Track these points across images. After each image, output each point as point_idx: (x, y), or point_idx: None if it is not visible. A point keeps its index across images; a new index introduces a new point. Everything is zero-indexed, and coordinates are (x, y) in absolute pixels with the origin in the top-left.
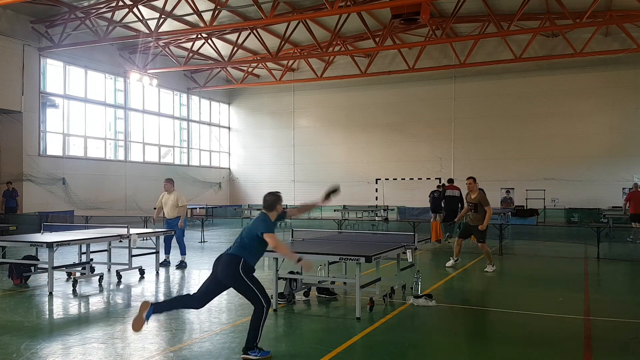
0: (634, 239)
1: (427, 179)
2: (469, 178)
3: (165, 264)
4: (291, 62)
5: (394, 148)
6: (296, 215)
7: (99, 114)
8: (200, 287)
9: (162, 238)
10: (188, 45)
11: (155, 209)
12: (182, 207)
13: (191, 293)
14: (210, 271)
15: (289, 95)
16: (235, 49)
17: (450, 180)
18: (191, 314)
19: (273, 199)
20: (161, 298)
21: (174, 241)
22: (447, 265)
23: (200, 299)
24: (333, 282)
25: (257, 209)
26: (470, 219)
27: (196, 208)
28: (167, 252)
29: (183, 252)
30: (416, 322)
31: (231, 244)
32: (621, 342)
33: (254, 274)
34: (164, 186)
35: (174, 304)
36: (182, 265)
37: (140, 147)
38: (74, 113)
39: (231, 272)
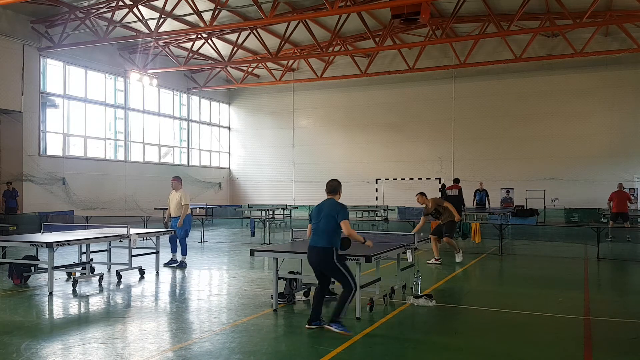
0: (612, 237)
1: (427, 179)
2: (417, 194)
3: (172, 262)
4: (291, 62)
5: (394, 148)
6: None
7: (99, 114)
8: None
9: (165, 238)
10: (188, 45)
11: (166, 209)
12: (184, 205)
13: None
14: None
15: (289, 95)
16: (235, 49)
17: (456, 180)
18: (191, 314)
19: (336, 183)
20: (161, 298)
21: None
22: (428, 262)
23: (325, 288)
24: (333, 282)
25: (257, 209)
26: (439, 221)
27: (196, 208)
28: (174, 250)
29: (184, 253)
30: (416, 322)
31: (316, 233)
32: (621, 342)
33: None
34: (172, 184)
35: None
36: (181, 266)
37: (140, 147)
38: (74, 113)
39: (329, 265)
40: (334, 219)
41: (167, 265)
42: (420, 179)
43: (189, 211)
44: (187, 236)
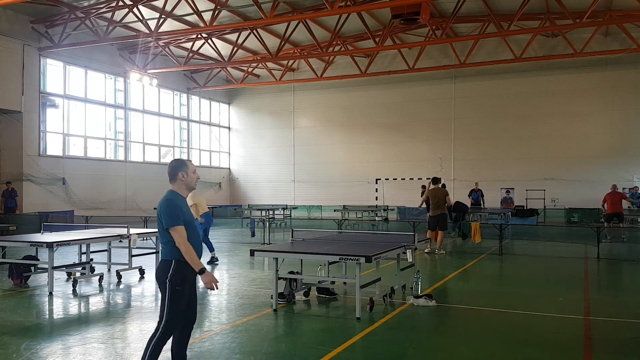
0: (610, 238)
1: (427, 179)
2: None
3: (214, 260)
4: (291, 62)
5: (394, 148)
6: None
7: (99, 114)
8: None
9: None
10: (188, 45)
11: None
12: (191, 206)
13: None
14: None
15: (289, 95)
16: (235, 49)
17: (435, 180)
18: None
19: (175, 163)
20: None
21: (211, 241)
22: (425, 251)
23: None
24: (333, 282)
25: (258, 209)
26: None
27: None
28: (211, 250)
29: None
30: (416, 322)
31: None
32: (621, 342)
33: None
34: None
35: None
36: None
37: (140, 147)
38: (74, 113)
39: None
40: (161, 224)
41: (209, 263)
42: (420, 178)
43: (201, 210)
44: (207, 235)
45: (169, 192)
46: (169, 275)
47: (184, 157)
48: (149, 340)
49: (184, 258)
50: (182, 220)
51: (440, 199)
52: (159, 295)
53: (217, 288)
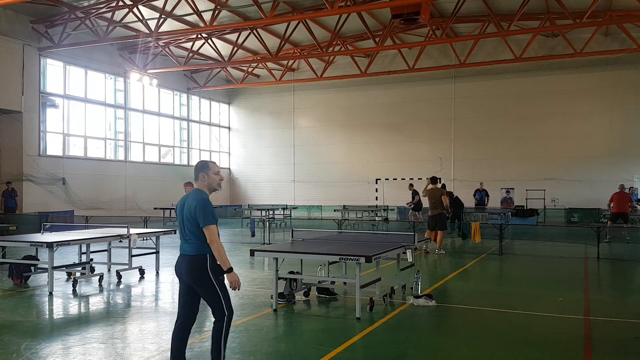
0: (610, 238)
1: (427, 179)
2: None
3: None
4: (291, 62)
5: (394, 148)
6: None
7: (99, 114)
8: None
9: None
10: (188, 45)
11: (167, 209)
12: None
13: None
14: None
15: (289, 95)
16: (235, 49)
17: (434, 180)
18: None
19: (200, 164)
20: (161, 298)
21: None
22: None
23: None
24: (333, 282)
25: (258, 209)
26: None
27: None
28: None
29: None
30: (416, 322)
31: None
32: (621, 342)
33: None
34: (185, 189)
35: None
36: None
37: (140, 147)
38: (74, 113)
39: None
40: (193, 221)
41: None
42: (420, 178)
43: None
44: None
45: (199, 192)
46: (208, 268)
47: (184, 157)
48: (216, 338)
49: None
50: (215, 219)
51: (437, 199)
52: (159, 295)
53: (239, 289)
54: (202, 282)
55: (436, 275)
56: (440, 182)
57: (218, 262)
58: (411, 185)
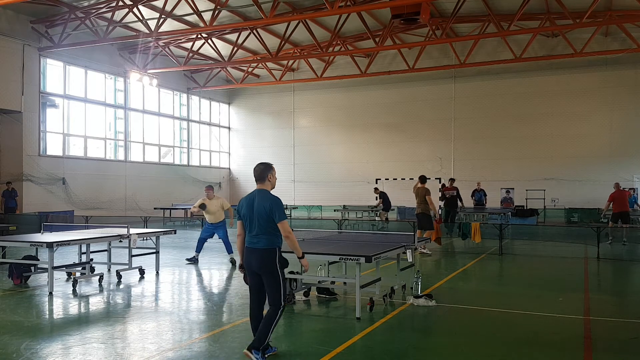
0: (611, 239)
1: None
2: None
3: (193, 260)
4: (291, 62)
5: (394, 148)
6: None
7: (99, 114)
8: None
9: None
10: (188, 45)
11: (167, 209)
12: (229, 209)
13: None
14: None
15: (289, 95)
16: (235, 49)
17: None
18: (191, 314)
19: (263, 167)
20: (161, 298)
21: (211, 241)
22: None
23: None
24: (333, 282)
25: None
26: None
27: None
28: (198, 250)
29: (230, 251)
30: (416, 322)
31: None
32: (621, 342)
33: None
34: (207, 194)
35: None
36: (233, 263)
37: (140, 147)
38: (74, 113)
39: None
40: (268, 218)
41: (190, 261)
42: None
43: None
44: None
45: (267, 191)
46: (277, 261)
47: (184, 157)
48: (268, 322)
49: (281, 246)
50: (286, 215)
51: (420, 198)
52: (159, 295)
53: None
54: (270, 272)
55: (436, 275)
56: (440, 182)
57: (292, 252)
58: (376, 189)
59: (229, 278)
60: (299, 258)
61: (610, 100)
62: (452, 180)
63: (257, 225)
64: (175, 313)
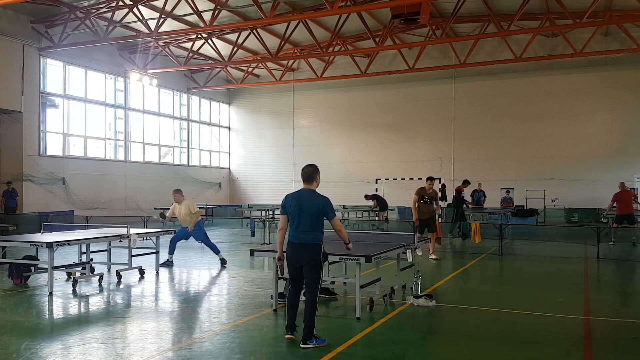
0: (615, 241)
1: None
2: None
3: (168, 263)
4: (291, 62)
5: (393, 148)
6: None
7: (99, 114)
8: None
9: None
10: (188, 45)
11: (165, 208)
12: (195, 213)
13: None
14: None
15: (289, 95)
16: (235, 49)
17: (466, 182)
18: (191, 314)
19: (312, 169)
20: (161, 298)
21: (186, 243)
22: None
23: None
24: (333, 282)
25: (257, 209)
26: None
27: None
28: (171, 252)
29: (216, 252)
30: (416, 322)
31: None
32: (621, 342)
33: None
34: (174, 197)
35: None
36: (223, 263)
37: (140, 147)
38: (74, 113)
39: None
40: (319, 215)
41: (162, 265)
42: (420, 178)
43: (199, 217)
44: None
45: (315, 191)
46: (322, 254)
47: (184, 157)
48: (311, 312)
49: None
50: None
51: (436, 201)
52: (159, 295)
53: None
54: (315, 264)
55: (436, 275)
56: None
57: (341, 240)
58: (366, 196)
59: (229, 278)
60: (345, 243)
61: (610, 100)
62: (466, 182)
63: (307, 221)
64: (175, 313)
